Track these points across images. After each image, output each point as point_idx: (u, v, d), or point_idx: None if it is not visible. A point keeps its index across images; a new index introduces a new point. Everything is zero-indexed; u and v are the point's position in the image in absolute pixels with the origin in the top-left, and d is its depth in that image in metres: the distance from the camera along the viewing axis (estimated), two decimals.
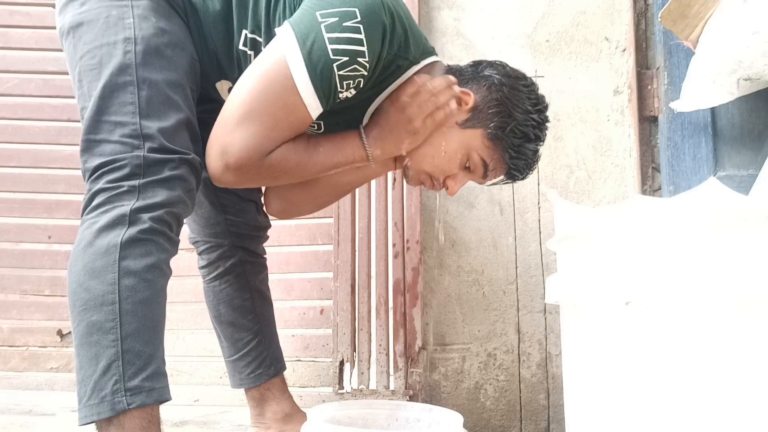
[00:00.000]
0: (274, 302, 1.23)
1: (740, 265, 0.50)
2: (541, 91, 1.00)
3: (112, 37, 0.87)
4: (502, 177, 1.01)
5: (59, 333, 1.78)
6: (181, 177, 0.85)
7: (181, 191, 0.86)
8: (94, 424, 0.77)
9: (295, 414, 1.18)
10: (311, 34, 0.83)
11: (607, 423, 0.61)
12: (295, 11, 0.89)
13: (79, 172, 1.98)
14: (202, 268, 1.18)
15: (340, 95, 0.89)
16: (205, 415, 1.50)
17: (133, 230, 0.80)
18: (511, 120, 0.94)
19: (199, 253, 1.18)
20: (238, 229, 1.15)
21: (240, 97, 0.86)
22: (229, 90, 1.01)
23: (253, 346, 1.16)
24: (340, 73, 0.84)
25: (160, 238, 0.84)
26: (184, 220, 1.18)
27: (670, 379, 0.54)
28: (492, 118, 0.94)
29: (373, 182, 1.53)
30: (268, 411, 1.17)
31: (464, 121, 0.95)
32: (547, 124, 0.99)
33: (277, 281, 1.63)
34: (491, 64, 0.99)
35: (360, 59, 0.84)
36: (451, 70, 1.00)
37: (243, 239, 1.16)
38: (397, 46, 0.91)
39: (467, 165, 0.97)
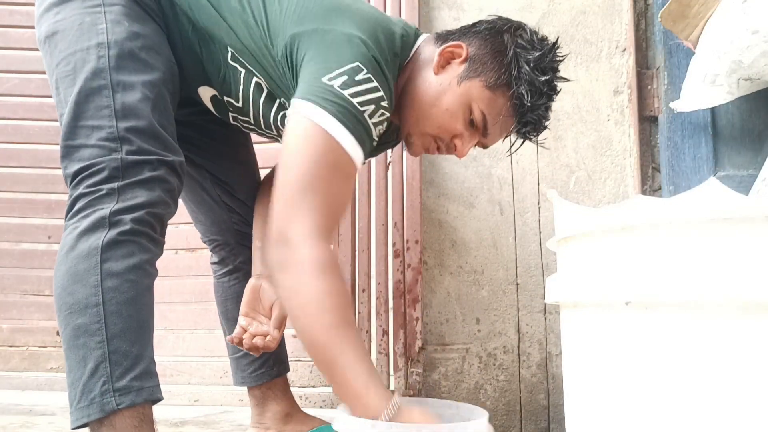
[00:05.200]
0: None
1: (740, 266, 0.50)
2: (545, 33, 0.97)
3: (86, 43, 0.87)
4: (516, 138, 0.98)
5: (59, 333, 1.79)
6: (161, 178, 0.85)
7: (161, 192, 0.85)
8: (87, 427, 0.77)
9: (296, 415, 1.18)
10: (329, 97, 0.82)
11: (607, 423, 0.61)
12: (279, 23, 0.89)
13: None
14: (213, 263, 1.20)
15: (375, 139, 0.89)
16: (205, 415, 1.50)
17: (114, 232, 0.80)
18: (510, 66, 0.91)
19: (211, 250, 1.20)
20: (241, 228, 1.16)
21: (290, 173, 0.82)
22: (212, 97, 1.02)
23: None
24: (372, 121, 0.85)
25: (142, 239, 0.83)
26: (195, 223, 1.20)
27: (670, 380, 0.54)
28: (489, 67, 0.92)
29: (372, 182, 1.53)
30: (268, 411, 1.17)
31: (461, 75, 0.92)
32: (557, 70, 0.94)
33: None
34: (486, 19, 0.99)
35: (383, 104, 0.86)
36: (440, 36, 0.99)
37: (248, 239, 1.16)
38: (393, 68, 0.91)
39: (471, 120, 0.93)
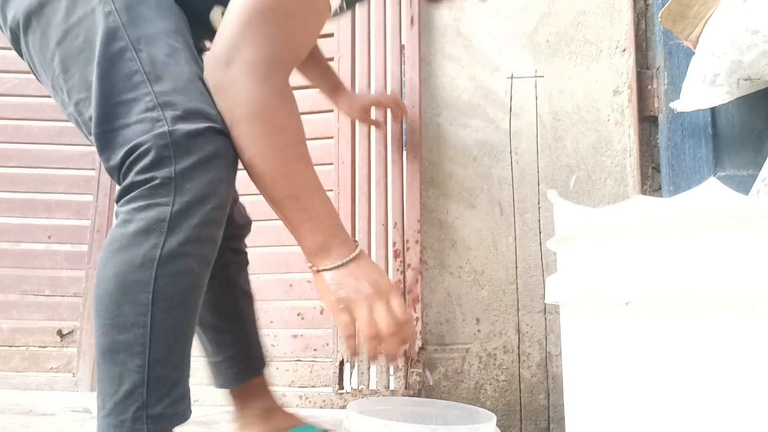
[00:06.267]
0: (273, 302, 1.22)
1: (740, 266, 0.50)
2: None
3: (88, 5, 0.74)
4: None
5: (59, 333, 1.79)
6: (218, 153, 0.73)
7: (222, 171, 0.73)
8: None
9: (276, 411, 1.14)
10: None
11: (607, 423, 0.61)
12: None
13: (79, 172, 1.97)
14: None
15: None
16: (205, 415, 1.50)
17: (174, 242, 0.70)
18: None
19: None
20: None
21: None
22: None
23: (238, 348, 1.11)
24: None
25: (204, 249, 0.74)
26: None
27: (670, 380, 0.54)
28: None
29: (372, 182, 1.53)
30: (249, 408, 1.13)
31: None
32: None
33: (277, 281, 1.63)
34: None
35: None
36: None
37: (227, 239, 1.05)
38: None
39: None
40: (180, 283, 0.71)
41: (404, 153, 1.52)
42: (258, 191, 0.79)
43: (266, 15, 0.72)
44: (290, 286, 1.65)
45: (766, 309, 0.49)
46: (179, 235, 0.70)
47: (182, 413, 0.74)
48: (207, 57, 0.76)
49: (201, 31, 0.89)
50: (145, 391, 0.70)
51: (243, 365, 1.12)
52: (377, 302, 0.77)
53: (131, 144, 0.70)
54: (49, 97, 1.87)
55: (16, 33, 0.80)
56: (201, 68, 0.78)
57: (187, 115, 0.71)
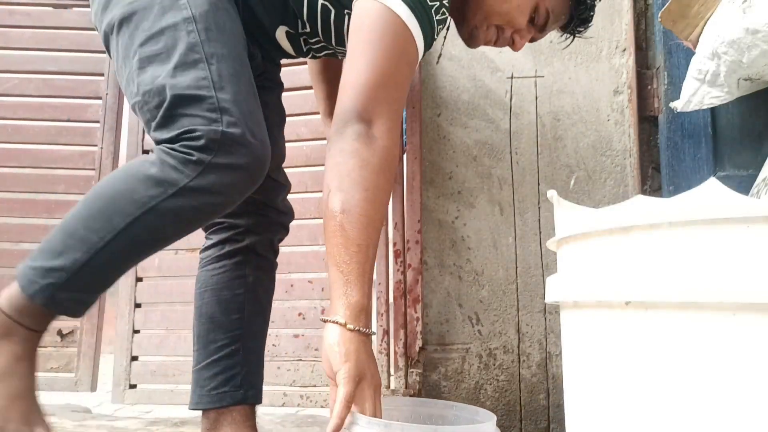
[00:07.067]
0: (275, 302, 1.19)
1: (740, 266, 0.50)
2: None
3: (171, 20, 0.87)
4: (565, 36, 1.08)
5: (59, 333, 1.79)
6: (248, 166, 0.84)
7: (243, 181, 0.85)
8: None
9: None
10: None
11: (607, 423, 0.61)
12: None
13: (79, 172, 1.97)
14: (205, 250, 1.10)
15: (435, 38, 0.90)
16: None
17: (169, 203, 0.82)
18: None
19: (210, 233, 1.11)
20: (259, 210, 1.09)
21: (370, 60, 0.82)
22: (287, 33, 1.02)
23: (227, 353, 1.01)
24: (436, 18, 0.86)
25: (182, 225, 0.85)
26: None
27: (669, 380, 0.54)
28: None
29: None
30: None
31: None
32: None
33: (278, 281, 1.63)
34: None
35: (445, 2, 0.87)
36: None
37: (260, 225, 1.09)
38: None
39: (533, 17, 0.99)
40: (149, 235, 0.83)
41: (404, 153, 1.52)
42: None
43: (387, 79, 0.82)
44: (291, 286, 1.65)
45: (766, 309, 0.49)
46: (176, 202, 0.82)
47: (73, 311, 0.84)
48: (336, 120, 0.83)
49: (269, 45, 1.04)
50: (67, 278, 0.81)
51: (226, 382, 1.00)
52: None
53: (189, 127, 0.82)
54: (48, 97, 1.88)
55: (108, 35, 0.93)
56: (254, 87, 0.91)
57: (239, 125, 0.83)
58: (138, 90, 0.87)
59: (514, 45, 1.02)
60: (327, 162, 0.82)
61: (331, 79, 1.30)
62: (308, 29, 1.00)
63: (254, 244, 1.08)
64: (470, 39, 1.02)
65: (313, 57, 1.09)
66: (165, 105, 0.84)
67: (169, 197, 0.81)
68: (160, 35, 0.86)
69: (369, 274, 0.78)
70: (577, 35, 1.07)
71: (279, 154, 1.14)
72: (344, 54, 1.02)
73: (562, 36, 1.08)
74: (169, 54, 0.85)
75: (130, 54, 0.89)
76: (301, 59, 1.16)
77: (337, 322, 0.75)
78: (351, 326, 0.74)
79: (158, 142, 0.85)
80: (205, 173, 0.81)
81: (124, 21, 0.89)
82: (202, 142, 0.81)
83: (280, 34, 1.02)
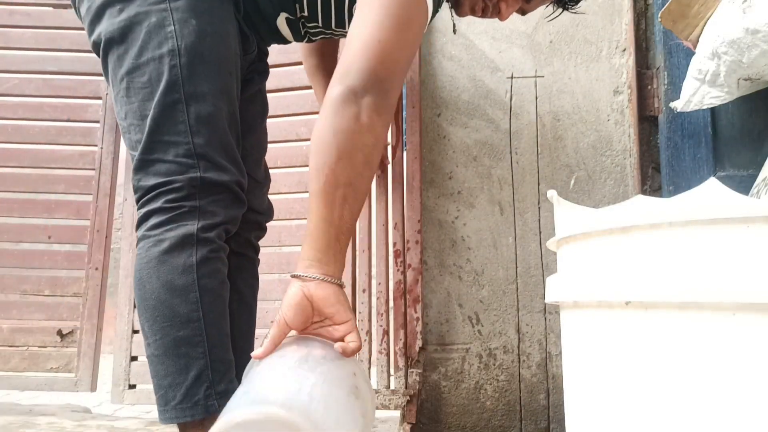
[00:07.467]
0: (275, 302, 1.20)
1: (740, 266, 0.50)
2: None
3: (157, 51, 0.88)
4: (550, 7, 1.07)
5: (59, 333, 1.79)
6: (235, 197, 0.91)
7: (236, 210, 0.91)
8: (185, 425, 0.86)
9: None
10: None
11: (607, 423, 0.61)
12: None
13: (79, 172, 1.98)
14: None
15: (438, 9, 0.91)
16: None
17: (204, 250, 0.87)
18: None
19: None
20: None
21: (381, 19, 0.78)
22: (286, 20, 1.02)
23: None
24: None
25: (222, 254, 0.91)
26: None
27: (669, 380, 0.54)
28: None
29: (373, 183, 1.53)
30: None
31: None
32: None
33: (277, 281, 1.63)
34: None
35: None
36: None
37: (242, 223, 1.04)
38: None
39: None
40: (215, 280, 0.88)
41: (404, 153, 1.52)
42: None
43: (395, 41, 0.78)
44: None
45: (766, 309, 0.49)
46: (208, 245, 0.87)
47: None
48: (334, 79, 0.78)
49: (268, 33, 1.05)
50: (210, 373, 0.84)
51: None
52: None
53: (166, 178, 0.87)
54: (48, 97, 1.88)
55: (97, 46, 0.94)
56: (235, 112, 0.94)
57: (216, 168, 0.88)
58: (124, 116, 0.92)
59: (500, 15, 1.02)
60: (338, 123, 0.74)
61: (329, 69, 1.28)
62: (306, 13, 1.01)
63: (228, 242, 1.04)
64: (457, 6, 1.03)
65: (309, 41, 1.11)
66: (142, 146, 0.88)
67: (198, 248, 0.86)
68: (145, 67, 0.89)
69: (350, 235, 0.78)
70: (569, 9, 1.06)
71: (260, 147, 1.14)
72: (342, 36, 1.06)
73: (552, 11, 1.08)
74: (152, 90, 0.88)
75: (117, 77, 0.92)
76: (298, 59, 1.16)
77: (326, 278, 0.72)
78: (341, 282, 0.74)
79: (135, 187, 0.90)
80: (203, 212, 0.87)
81: (112, 41, 0.91)
82: (184, 191, 0.87)
83: (281, 21, 1.03)
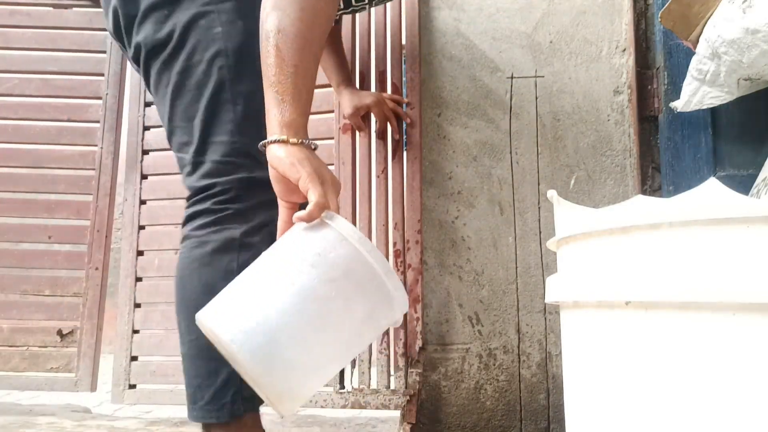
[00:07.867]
0: None
1: (740, 266, 0.50)
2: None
3: (205, 54, 0.89)
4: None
5: (59, 333, 1.79)
6: (275, 199, 0.89)
7: (275, 211, 0.89)
8: (210, 426, 0.88)
9: None
10: None
11: (607, 423, 0.61)
12: None
13: (79, 172, 1.98)
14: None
15: None
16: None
17: (246, 255, 0.86)
18: None
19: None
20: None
21: None
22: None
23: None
24: None
25: None
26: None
27: (669, 380, 0.54)
28: None
29: (373, 183, 1.53)
30: None
31: None
32: None
33: None
34: None
35: None
36: None
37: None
38: None
39: None
40: None
41: (404, 153, 1.52)
42: None
43: None
44: None
45: (766, 309, 0.49)
46: (249, 250, 0.86)
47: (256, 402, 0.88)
48: None
49: None
50: (239, 379, 0.83)
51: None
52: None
53: (215, 179, 0.88)
54: (49, 97, 1.88)
55: (139, 50, 0.94)
56: None
57: (261, 166, 0.85)
58: (170, 120, 0.93)
59: None
60: None
61: (338, 51, 1.43)
62: None
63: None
64: None
65: (344, 13, 1.17)
66: (194, 148, 0.89)
67: (240, 253, 0.86)
68: (193, 69, 0.89)
69: (306, 95, 0.77)
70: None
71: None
72: (373, 6, 1.16)
73: None
74: (201, 91, 0.89)
75: (162, 81, 0.92)
76: None
77: (278, 141, 0.74)
78: (294, 140, 0.74)
79: (187, 183, 0.91)
80: (247, 216, 0.88)
81: (159, 46, 0.91)
82: (232, 193, 0.88)
83: None
